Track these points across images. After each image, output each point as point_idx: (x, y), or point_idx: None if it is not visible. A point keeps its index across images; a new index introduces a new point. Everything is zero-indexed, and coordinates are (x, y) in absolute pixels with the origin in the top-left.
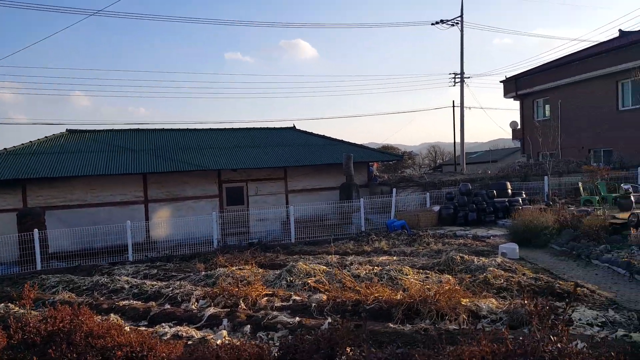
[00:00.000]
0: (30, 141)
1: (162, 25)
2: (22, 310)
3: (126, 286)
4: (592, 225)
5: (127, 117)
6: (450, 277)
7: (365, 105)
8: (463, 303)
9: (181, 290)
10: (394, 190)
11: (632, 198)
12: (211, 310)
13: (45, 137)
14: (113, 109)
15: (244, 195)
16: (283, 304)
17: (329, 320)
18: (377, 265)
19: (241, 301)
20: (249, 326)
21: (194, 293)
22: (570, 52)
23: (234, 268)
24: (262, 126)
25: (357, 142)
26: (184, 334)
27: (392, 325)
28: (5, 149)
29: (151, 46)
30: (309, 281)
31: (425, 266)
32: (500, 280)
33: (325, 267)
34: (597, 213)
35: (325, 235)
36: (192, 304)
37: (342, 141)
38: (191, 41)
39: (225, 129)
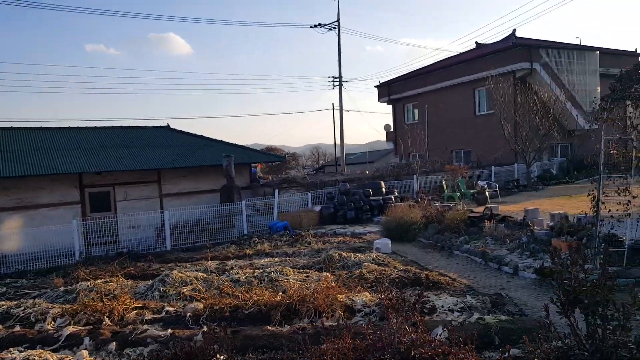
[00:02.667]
0: None
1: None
2: None
3: None
4: (454, 219)
5: None
6: (329, 274)
7: (247, 106)
8: (339, 299)
9: (34, 309)
10: (277, 191)
11: (487, 194)
12: (70, 329)
13: None
14: None
15: (110, 200)
16: (155, 316)
17: (204, 329)
18: (258, 268)
19: (105, 317)
20: (114, 343)
21: (51, 311)
22: (435, 61)
23: (98, 281)
24: (133, 125)
25: (238, 143)
26: (36, 358)
27: (270, 328)
28: None
29: None
30: (184, 290)
31: (306, 266)
32: (374, 274)
33: (203, 274)
34: (458, 208)
35: (205, 241)
36: (47, 324)
37: (222, 142)
38: (47, 29)
39: (87, 128)
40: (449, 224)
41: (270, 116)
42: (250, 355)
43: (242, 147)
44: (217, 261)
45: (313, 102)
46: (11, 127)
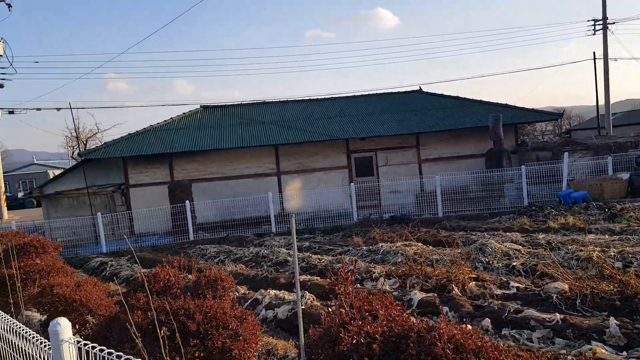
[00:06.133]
0: (172, 117)
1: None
2: None
3: (289, 259)
4: None
5: (226, 100)
6: None
7: (486, 66)
8: None
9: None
10: (566, 155)
11: None
12: (417, 294)
13: (183, 113)
14: (211, 93)
15: (373, 165)
16: (505, 292)
17: (615, 321)
18: (598, 246)
19: (453, 285)
20: (488, 320)
21: (376, 270)
22: None
23: (398, 244)
24: (387, 91)
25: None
26: None
27: None
28: (151, 125)
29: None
30: (541, 267)
31: None
32: None
33: (519, 247)
34: None
35: (474, 209)
36: (381, 284)
37: (480, 101)
38: (269, 20)
39: (349, 97)
40: None
41: (513, 75)
42: None
43: (505, 105)
44: (518, 233)
45: (560, 56)
46: (287, 100)
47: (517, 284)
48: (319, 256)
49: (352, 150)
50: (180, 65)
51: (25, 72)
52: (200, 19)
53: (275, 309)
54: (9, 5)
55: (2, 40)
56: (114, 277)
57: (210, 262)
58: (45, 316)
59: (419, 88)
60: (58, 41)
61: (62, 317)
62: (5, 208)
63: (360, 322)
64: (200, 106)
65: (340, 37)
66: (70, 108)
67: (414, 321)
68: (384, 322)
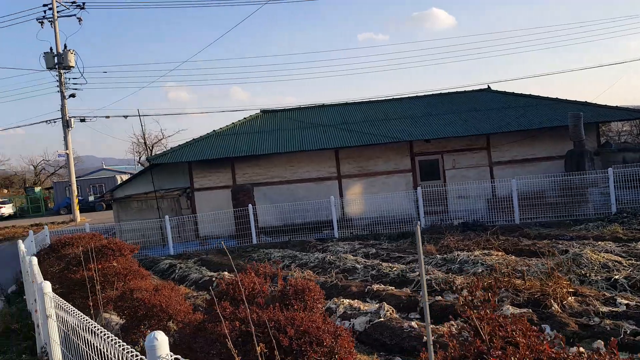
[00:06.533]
0: (233, 122)
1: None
2: None
3: (357, 266)
4: None
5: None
6: None
7: (547, 63)
8: None
9: (431, 275)
10: None
11: None
12: (510, 308)
13: (244, 118)
14: (265, 99)
15: (439, 168)
16: (612, 309)
17: None
18: None
19: (552, 300)
20: (600, 342)
21: (456, 282)
22: None
23: (477, 252)
24: (452, 90)
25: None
26: None
27: None
28: (214, 130)
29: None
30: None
31: None
32: None
33: (617, 257)
34: None
35: (554, 216)
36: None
37: (555, 99)
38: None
39: (411, 97)
40: None
41: (585, 72)
42: None
43: (585, 103)
44: (612, 242)
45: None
46: (346, 102)
47: (625, 301)
48: (389, 264)
49: (417, 153)
50: (236, 72)
51: (94, 81)
52: (252, 27)
53: (351, 319)
54: (79, 19)
55: (73, 52)
56: (184, 280)
57: (275, 267)
58: (123, 320)
59: (486, 86)
60: (125, 52)
61: (159, 332)
62: (78, 211)
63: (500, 353)
64: (260, 111)
65: (395, 39)
66: (139, 115)
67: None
68: (526, 353)
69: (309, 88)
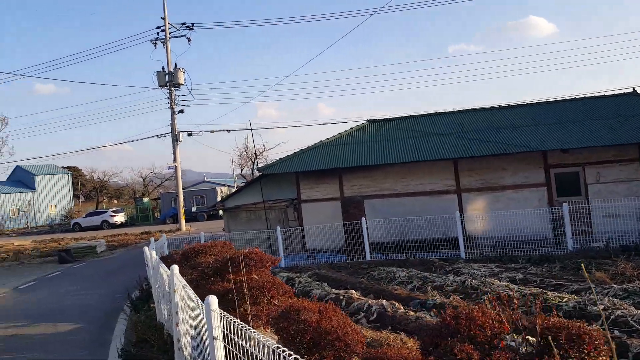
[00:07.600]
0: (340, 133)
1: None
2: None
3: (510, 293)
4: None
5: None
6: None
7: None
8: None
9: (623, 311)
10: None
11: None
12: None
13: (351, 128)
14: (355, 113)
15: (580, 183)
16: None
17: None
18: None
19: None
20: None
21: None
22: None
23: None
24: (590, 95)
25: None
26: None
27: None
28: (321, 141)
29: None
30: None
31: None
32: None
33: None
34: None
35: None
36: None
37: None
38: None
39: (542, 103)
40: None
41: None
42: None
43: None
44: None
45: None
46: (463, 109)
47: None
48: (557, 293)
49: (552, 165)
50: (324, 87)
51: (201, 98)
52: (343, 44)
53: None
54: (189, 39)
55: (183, 70)
56: (306, 296)
57: (403, 287)
58: (281, 343)
59: (632, 90)
60: (223, 70)
61: None
62: (184, 220)
63: None
64: (367, 120)
65: (491, 48)
66: (251, 129)
67: None
68: None
69: (407, 100)
